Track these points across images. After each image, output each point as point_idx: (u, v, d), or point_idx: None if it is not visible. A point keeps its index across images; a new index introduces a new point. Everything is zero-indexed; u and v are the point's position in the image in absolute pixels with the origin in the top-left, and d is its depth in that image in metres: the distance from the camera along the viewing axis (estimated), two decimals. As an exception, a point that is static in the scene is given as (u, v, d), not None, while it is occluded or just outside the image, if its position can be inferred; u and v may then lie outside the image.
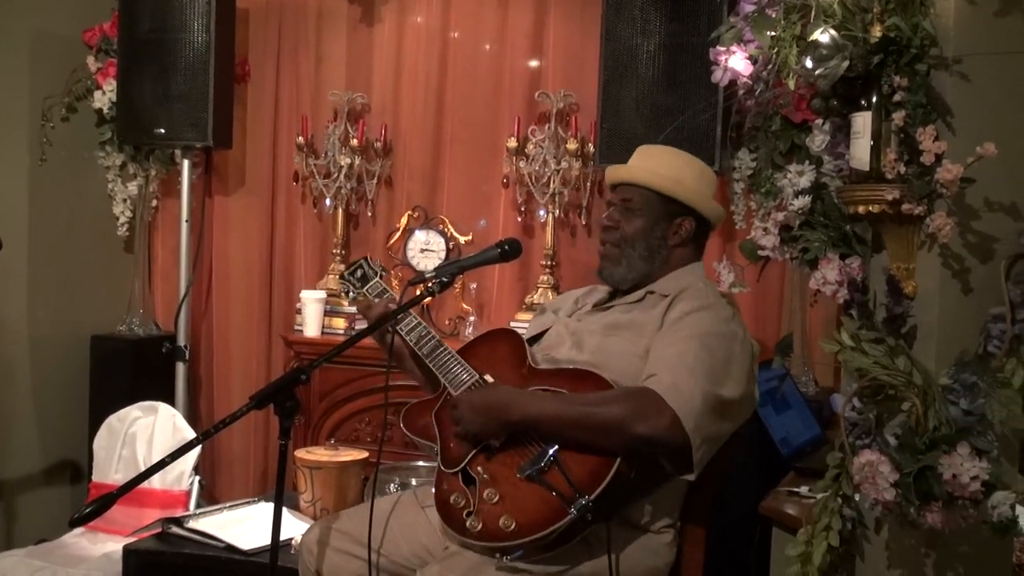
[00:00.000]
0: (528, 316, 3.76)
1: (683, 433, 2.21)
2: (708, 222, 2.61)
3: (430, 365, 2.59)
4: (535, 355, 2.57)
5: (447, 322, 4.37)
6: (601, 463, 2.24)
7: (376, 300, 2.76)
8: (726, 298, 2.53)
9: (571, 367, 2.46)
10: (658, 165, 2.60)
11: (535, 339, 2.68)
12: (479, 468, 2.35)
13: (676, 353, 2.32)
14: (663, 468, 2.34)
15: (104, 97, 4.43)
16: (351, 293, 2.87)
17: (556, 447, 2.27)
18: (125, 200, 4.60)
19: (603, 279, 2.64)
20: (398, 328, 2.66)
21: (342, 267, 4.42)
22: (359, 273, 2.87)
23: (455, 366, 2.55)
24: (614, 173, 2.66)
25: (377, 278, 2.84)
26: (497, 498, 2.28)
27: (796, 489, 2.70)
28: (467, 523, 2.27)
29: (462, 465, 2.37)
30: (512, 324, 3.88)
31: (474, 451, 2.38)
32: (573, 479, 2.20)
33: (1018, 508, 1.98)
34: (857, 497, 2.13)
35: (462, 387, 2.49)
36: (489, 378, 2.50)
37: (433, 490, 2.41)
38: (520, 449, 2.33)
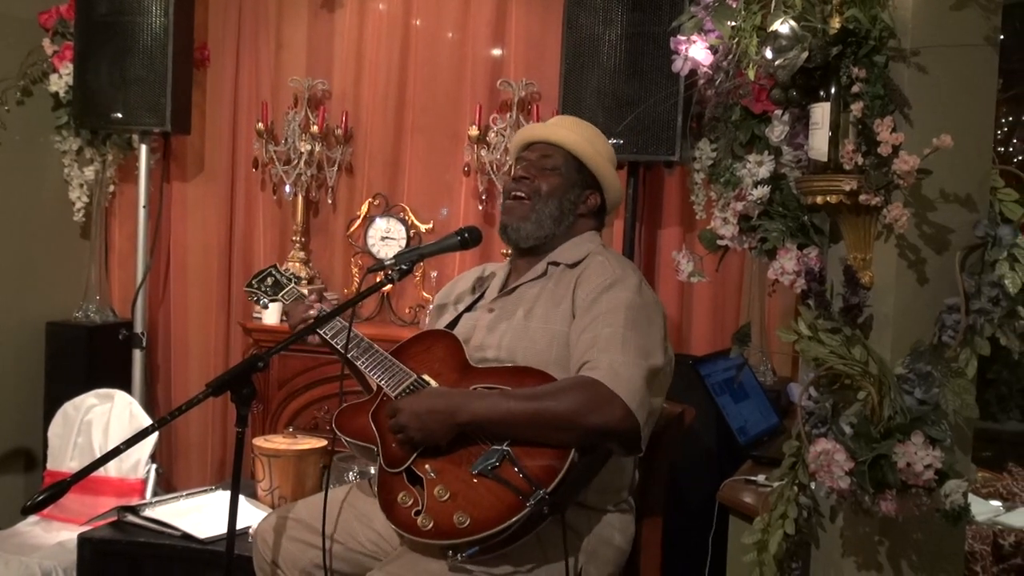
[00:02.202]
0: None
1: (633, 418, 2.22)
2: (606, 205, 2.65)
3: (362, 368, 2.54)
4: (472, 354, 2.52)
5: (407, 310, 4.37)
6: (555, 455, 2.20)
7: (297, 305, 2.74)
8: (623, 257, 2.57)
9: (513, 365, 2.41)
10: (581, 133, 2.62)
11: None
12: (426, 466, 2.29)
13: (605, 337, 2.31)
14: (610, 450, 2.34)
15: (60, 80, 4.38)
16: (262, 301, 2.85)
17: (508, 443, 2.23)
18: (82, 185, 4.55)
19: (507, 237, 2.62)
20: (322, 333, 2.62)
21: (302, 254, 4.42)
22: (270, 280, 2.84)
23: (391, 367, 2.50)
24: (536, 131, 2.67)
25: (292, 285, 2.82)
26: (448, 495, 2.22)
27: (753, 478, 2.71)
28: (418, 522, 2.20)
29: (407, 464, 2.31)
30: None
31: (419, 450, 2.32)
32: (528, 473, 2.17)
33: (970, 496, 2.01)
34: (813, 485, 2.15)
35: (400, 387, 2.44)
36: (428, 378, 2.45)
37: (376, 492, 2.35)
38: (468, 445, 2.28)
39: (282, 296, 2.81)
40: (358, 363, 2.54)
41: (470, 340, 2.54)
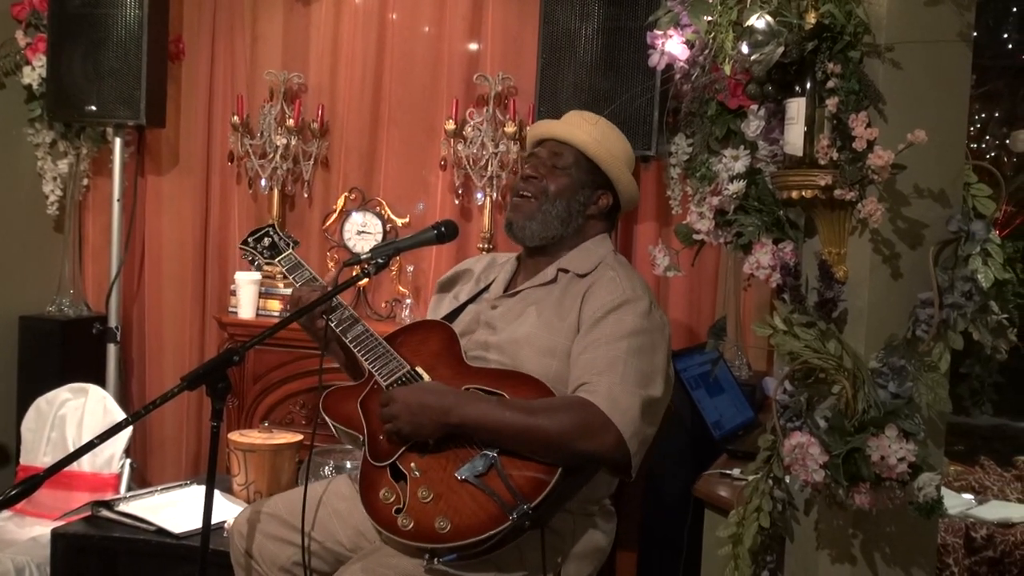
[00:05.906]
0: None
1: (625, 448, 2.21)
2: (620, 205, 2.62)
3: (355, 351, 2.50)
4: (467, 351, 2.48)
5: (383, 304, 4.36)
6: (542, 471, 2.18)
7: (296, 278, 2.68)
8: (634, 271, 2.53)
9: (509, 370, 2.38)
10: (595, 132, 2.57)
11: None
12: (411, 464, 2.26)
13: (606, 359, 2.28)
14: (598, 469, 2.33)
15: (33, 73, 4.33)
16: (256, 261, 2.77)
17: (497, 451, 2.21)
18: (55, 178, 4.51)
19: (512, 234, 2.56)
20: (327, 318, 2.55)
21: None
22: (267, 241, 2.77)
23: (384, 354, 2.45)
24: (549, 128, 2.62)
25: (290, 250, 2.75)
26: (431, 497, 2.19)
27: (728, 471, 2.72)
28: (398, 521, 2.18)
29: (392, 460, 2.28)
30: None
31: (406, 446, 2.29)
32: (514, 485, 2.15)
33: (943, 490, 2.03)
34: (787, 479, 2.16)
35: (392, 377, 2.39)
36: (420, 370, 2.42)
37: (358, 482, 2.33)
38: (456, 448, 2.25)
39: (279, 261, 2.75)
40: (352, 346, 2.50)
41: (469, 336, 2.52)
